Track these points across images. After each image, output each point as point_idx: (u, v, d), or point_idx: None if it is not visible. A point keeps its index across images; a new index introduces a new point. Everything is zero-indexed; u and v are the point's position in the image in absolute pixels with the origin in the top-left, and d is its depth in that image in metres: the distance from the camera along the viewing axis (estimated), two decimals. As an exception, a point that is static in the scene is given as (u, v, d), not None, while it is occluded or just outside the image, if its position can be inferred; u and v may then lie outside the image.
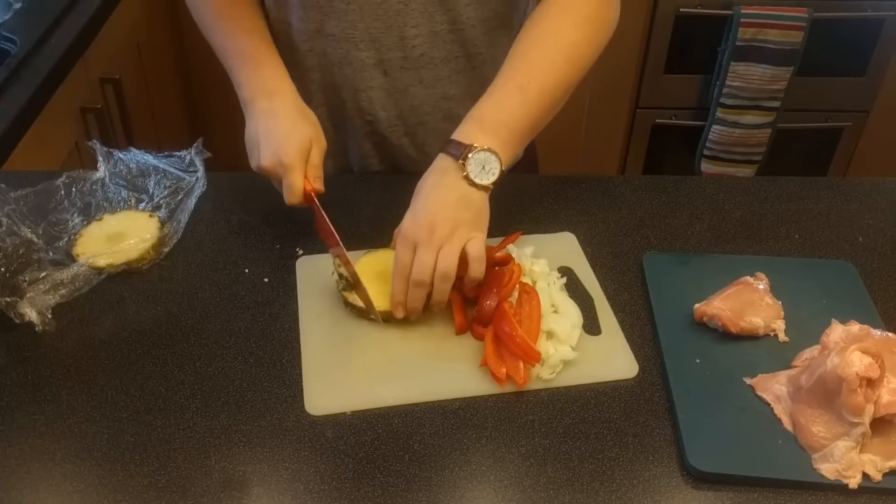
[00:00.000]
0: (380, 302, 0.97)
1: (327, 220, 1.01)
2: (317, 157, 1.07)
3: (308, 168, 1.05)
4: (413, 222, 0.96)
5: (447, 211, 0.95)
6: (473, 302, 0.98)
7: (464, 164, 0.96)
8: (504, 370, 0.91)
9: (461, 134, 0.99)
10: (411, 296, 0.95)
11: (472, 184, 0.96)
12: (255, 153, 1.07)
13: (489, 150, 0.97)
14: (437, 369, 0.93)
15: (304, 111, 1.10)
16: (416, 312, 0.96)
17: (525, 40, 1.05)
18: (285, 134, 1.05)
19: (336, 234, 1.00)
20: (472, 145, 0.97)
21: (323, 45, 1.15)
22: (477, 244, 0.95)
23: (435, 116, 1.22)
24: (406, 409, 0.90)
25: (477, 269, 0.95)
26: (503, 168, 0.97)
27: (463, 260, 0.95)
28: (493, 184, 0.97)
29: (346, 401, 0.90)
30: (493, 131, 0.99)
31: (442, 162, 0.98)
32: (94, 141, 1.19)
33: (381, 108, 1.20)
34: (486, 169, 0.97)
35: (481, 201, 0.97)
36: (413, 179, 1.00)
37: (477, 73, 1.20)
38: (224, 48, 1.15)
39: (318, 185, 1.05)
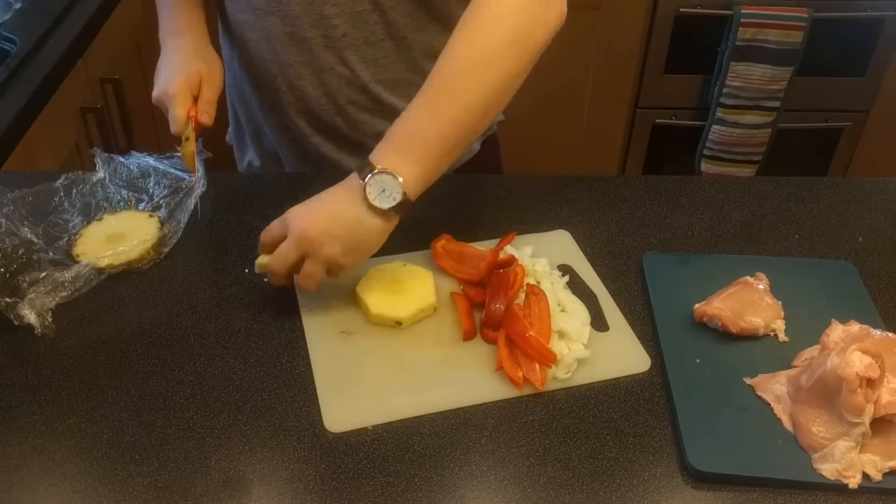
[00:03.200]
0: (385, 309, 0.97)
1: (196, 159, 1.12)
2: (208, 93, 1.13)
3: (199, 103, 1.12)
4: (298, 211, 0.95)
5: (335, 226, 0.93)
6: (480, 307, 0.98)
7: (364, 185, 0.92)
8: (520, 373, 0.91)
9: (373, 153, 0.95)
10: (271, 267, 0.96)
11: (371, 207, 0.92)
12: (154, 87, 1.14)
13: (390, 172, 0.91)
14: (452, 377, 0.93)
15: (202, 51, 1.18)
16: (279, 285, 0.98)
17: (445, 49, 0.97)
18: (176, 68, 1.14)
19: (200, 165, 1.11)
20: (374, 166, 0.92)
21: (251, 18, 1.17)
22: (339, 272, 0.95)
23: (366, 98, 1.20)
24: (406, 409, 0.90)
25: (301, 284, 0.95)
26: (405, 191, 0.92)
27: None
28: (396, 209, 0.92)
29: (365, 415, 0.89)
30: (402, 150, 0.94)
31: (350, 179, 0.95)
32: (96, 148, 1.19)
33: (309, 84, 1.19)
34: (387, 192, 0.92)
35: (376, 228, 0.93)
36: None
37: (407, 59, 1.18)
38: None
39: (205, 119, 1.12)
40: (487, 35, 0.95)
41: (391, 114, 1.16)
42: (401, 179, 0.92)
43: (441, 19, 1.15)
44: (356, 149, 1.24)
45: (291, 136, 1.27)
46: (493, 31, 0.95)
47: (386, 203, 0.92)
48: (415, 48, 1.17)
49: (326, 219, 0.94)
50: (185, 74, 1.12)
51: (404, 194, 0.92)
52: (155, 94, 1.13)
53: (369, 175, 0.92)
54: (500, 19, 0.95)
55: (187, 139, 1.10)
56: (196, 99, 1.14)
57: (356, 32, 1.14)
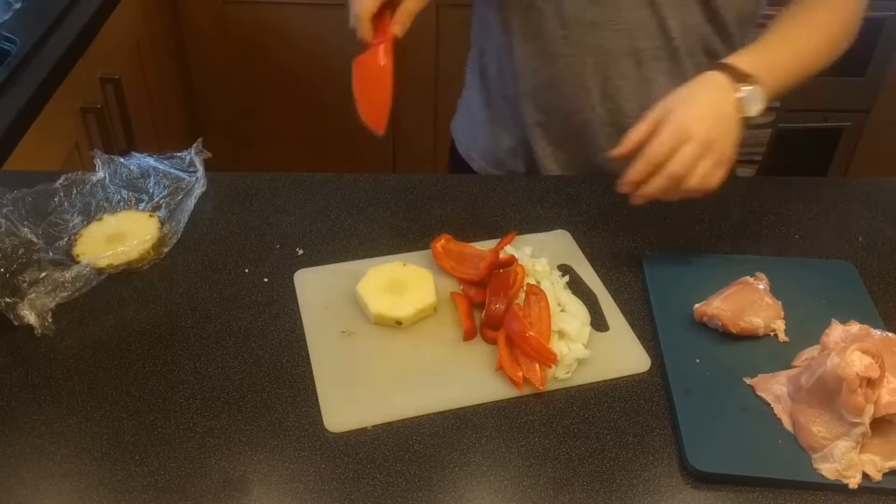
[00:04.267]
0: (385, 309, 0.97)
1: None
2: (412, 3, 1.01)
3: (399, 10, 1.00)
4: (688, 116, 0.95)
5: (723, 122, 0.96)
6: (480, 307, 0.98)
7: (739, 87, 0.97)
8: (521, 373, 0.91)
9: (738, 61, 1.00)
10: (654, 187, 0.95)
11: (740, 110, 0.97)
12: None
13: (762, 87, 0.98)
14: (452, 377, 0.93)
15: None
16: (646, 197, 0.97)
17: (794, 23, 1.08)
18: None
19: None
20: (751, 75, 0.98)
21: (579, 33, 1.14)
22: (722, 171, 0.96)
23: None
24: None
25: (713, 180, 0.96)
26: (763, 107, 0.99)
27: None
28: (750, 119, 0.98)
29: (365, 415, 0.89)
30: (768, 74, 0.99)
31: (716, 78, 0.98)
32: (96, 150, 1.19)
33: (626, 98, 1.19)
34: (753, 101, 0.98)
35: (738, 126, 0.98)
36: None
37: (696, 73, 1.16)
38: None
39: (398, 29, 1.01)
40: (842, 29, 1.11)
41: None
42: (765, 95, 0.99)
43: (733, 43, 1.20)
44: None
45: (575, 144, 1.26)
46: (846, 28, 1.11)
47: (752, 111, 0.98)
48: (704, 64, 1.14)
49: (718, 116, 0.96)
50: None
51: (760, 112, 0.99)
52: None
53: (747, 85, 0.97)
54: (851, 22, 1.12)
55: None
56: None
57: (689, 45, 1.16)
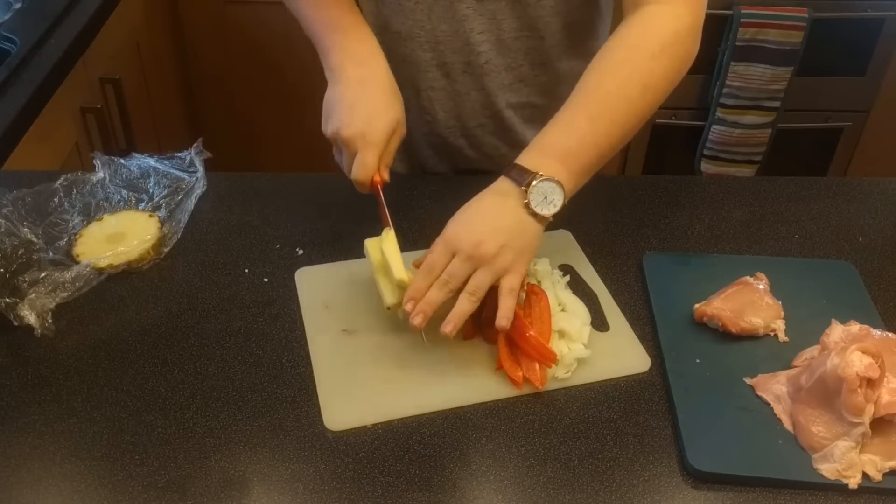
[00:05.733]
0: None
1: (386, 211, 1.00)
2: (395, 145, 1.04)
3: (384, 154, 1.02)
4: (460, 231, 0.92)
5: (499, 234, 0.90)
6: (481, 307, 0.98)
7: (526, 192, 0.91)
8: (521, 373, 0.91)
9: (526, 159, 0.94)
10: (429, 297, 0.90)
11: (532, 213, 0.92)
12: (336, 119, 1.02)
13: (554, 180, 0.92)
14: (452, 377, 0.93)
15: (396, 88, 1.07)
16: (421, 318, 0.90)
17: (599, 69, 0.99)
18: (377, 110, 1.03)
19: (391, 224, 0.98)
20: (536, 173, 0.92)
21: (387, 41, 1.14)
22: (514, 279, 0.91)
23: (494, 121, 1.21)
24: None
25: (506, 306, 0.89)
26: (565, 201, 0.93)
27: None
28: (554, 216, 0.93)
29: (365, 414, 0.89)
30: (560, 161, 0.94)
31: (503, 184, 0.94)
32: (96, 153, 1.19)
33: (441, 108, 1.19)
34: (549, 199, 0.92)
35: (536, 233, 0.93)
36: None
37: (542, 84, 1.19)
38: (310, 17, 1.11)
39: (386, 175, 1.03)
40: (653, 62, 0.98)
41: (513, 137, 1.18)
42: (564, 188, 0.92)
43: (584, 47, 1.17)
44: (456, 165, 1.26)
45: (406, 150, 1.28)
46: (659, 60, 0.98)
47: (547, 210, 0.92)
48: (550, 74, 1.18)
49: (490, 228, 0.91)
50: (388, 120, 1.02)
51: (564, 203, 0.93)
52: (347, 132, 1.00)
53: (534, 182, 0.91)
54: (668, 49, 0.99)
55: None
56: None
57: (499, 59, 1.14)
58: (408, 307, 0.91)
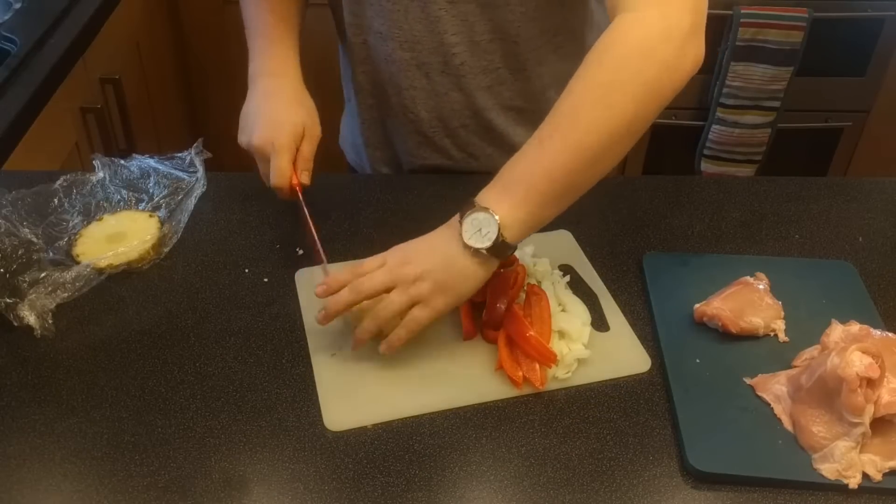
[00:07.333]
0: None
1: (308, 214, 1.02)
2: (308, 148, 1.07)
3: (298, 158, 1.06)
4: (400, 248, 0.93)
5: (426, 261, 0.90)
6: (480, 307, 0.98)
7: (460, 224, 0.89)
8: (520, 373, 0.91)
9: (480, 192, 0.91)
10: (339, 295, 0.91)
11: (466, 246, 0.88)
12: (248, 130, 1.08)
13: (488, 211, 0.87)
14: (452, 377, 0.93)
15: (303, 98, 1.12)
16: (323, 316, 0.92)
17: (567, 88, 0.90)
18: (280, 116, 1.07)
19: (314, 231, 1.01)
20: (472, 204, 0.89)
21: (371, 40, 1.16)
22: (423, 312, 0.89)
23: (476, 122, 1.21)
24: (406, 409, 0.90)
25: (396, 335, 0.89)
26: (503, 232, 0.87)
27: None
28: (491, 249, 0.88)
29: (365, 414, 0.89)
30: (505, 190, 0.89)
31: (454, 218, 0.91)
32: (96, 154, 1.19)
33: (423, 108, 1.20)
34: (483, 232, 0.87)
35: (464, 270, 0.89)
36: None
37: (525, 88, 1.19)
38: (248, 20, 1.17)
39: (305, 179, 1.06)
40: (611, 75, 0.87)
41: (501, 138, 1.18)
42: (497, 219, 0.87)
43: (567, 52, 1.16)
44: (442, 164, 1.26)
45: (393, 152, 1.29)
46: (618, 73, 0.87)
47: (480, 243, 0.87)
48: (533, 78, 1.18)
49: (420, 252, 0.91)
50: (290, 124, 1.05)
51: (500, 235, 0.87)
52: (256, 141, 1.05)
53: (467, 214, 0.88)
54: (628, 61, 0.87)
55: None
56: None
57: (474, 61, 1.14)
58: (318, 291, 0.92)
